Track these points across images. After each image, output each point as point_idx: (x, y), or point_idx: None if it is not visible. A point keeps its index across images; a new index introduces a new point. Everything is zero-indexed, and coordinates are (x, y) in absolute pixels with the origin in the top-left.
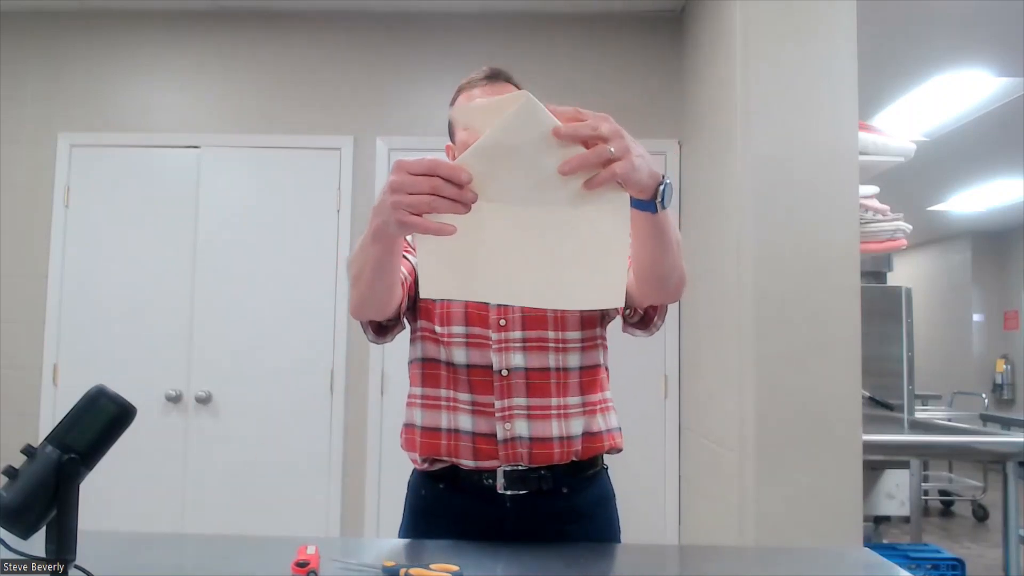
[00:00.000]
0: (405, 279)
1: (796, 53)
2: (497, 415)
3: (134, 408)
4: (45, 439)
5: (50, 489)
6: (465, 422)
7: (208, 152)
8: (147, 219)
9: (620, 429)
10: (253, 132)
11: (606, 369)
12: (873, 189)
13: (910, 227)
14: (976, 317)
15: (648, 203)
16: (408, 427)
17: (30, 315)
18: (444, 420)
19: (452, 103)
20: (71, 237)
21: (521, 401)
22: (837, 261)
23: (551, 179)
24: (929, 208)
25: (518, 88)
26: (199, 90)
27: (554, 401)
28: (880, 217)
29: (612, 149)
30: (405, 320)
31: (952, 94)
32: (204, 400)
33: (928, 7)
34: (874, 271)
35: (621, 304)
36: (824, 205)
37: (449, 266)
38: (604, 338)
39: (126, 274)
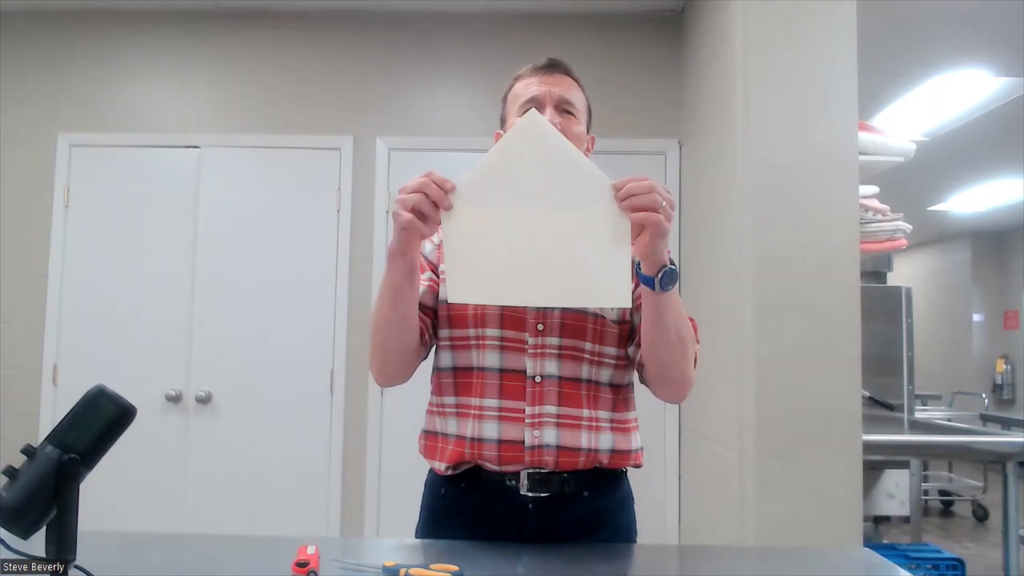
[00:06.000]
0: (426, 328)
1: (796, 53)
2: (527, 421)
3: (134, 408)
4: (45, 439)
5: (50, 489)
6: (491, 430)
7: (208, 152)
8: (147, 219)
9: (643, 448)
10: (253, 132)
11: (633, 388)
12: (873, 189)
13: (910, 227)
14: (976, 317)
15: (649, 279)
16: (429, 434)
17: (30, 315)
18: (470, 428)
19: (507, 91)
20: (71, 237)
21: (552, 409)
22: (837, 261)
23: (560, 187)
24: (929, 208)
25: (576, 80)
26: (199, 90)
27: (585, 412)
28: (880, 217)
29: (663, 203)
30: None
31: (952, 94)
32: (204, 400)
33: (928, 7)
34: (874, 271)
35: (627, 304)
36: (824, 205)
37: (471, 273)
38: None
39: (126, 274)
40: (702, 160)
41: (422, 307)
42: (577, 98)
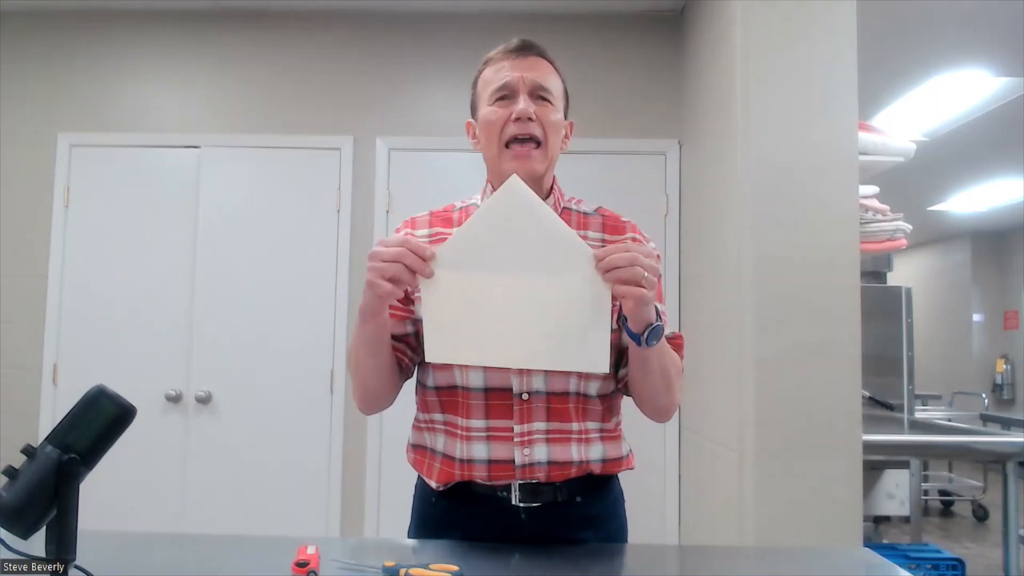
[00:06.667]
0: (405, 352)
1: (796, 53)
2: (516, 440)
3: (134, 408)
4: (45, 439)
5: (50, 489)
6: (480, 451)
7: (208, 152)
8: (147, 219)
9: (632, 451)
10: (253, 132)
11: (620, 394)
12: (873, 189)
13: (910, 227)
14: (976, 317)
15: (635, 335)
16: (418, 449)
17: (30, 315)
18: (458, 449)
19: (477, 76)
20: (71, 237)
21: (541, 425)
22: (837, 261)
23: (540, 253)
24: (929, 208)
25: (551, 63)
26: (199, 90)
27: (575, 426)
28: (880, 217)
29: (646, 274)
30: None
31: (952, 94)
32: (204, 400)
33: (928, 7)
34: (874, 271)
35: (605, 370)
36: (824, 205)
37: (450, 334)
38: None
39: (126, 274)
40: (702, 160)
41: (399, 337)
42: (553, 83)
